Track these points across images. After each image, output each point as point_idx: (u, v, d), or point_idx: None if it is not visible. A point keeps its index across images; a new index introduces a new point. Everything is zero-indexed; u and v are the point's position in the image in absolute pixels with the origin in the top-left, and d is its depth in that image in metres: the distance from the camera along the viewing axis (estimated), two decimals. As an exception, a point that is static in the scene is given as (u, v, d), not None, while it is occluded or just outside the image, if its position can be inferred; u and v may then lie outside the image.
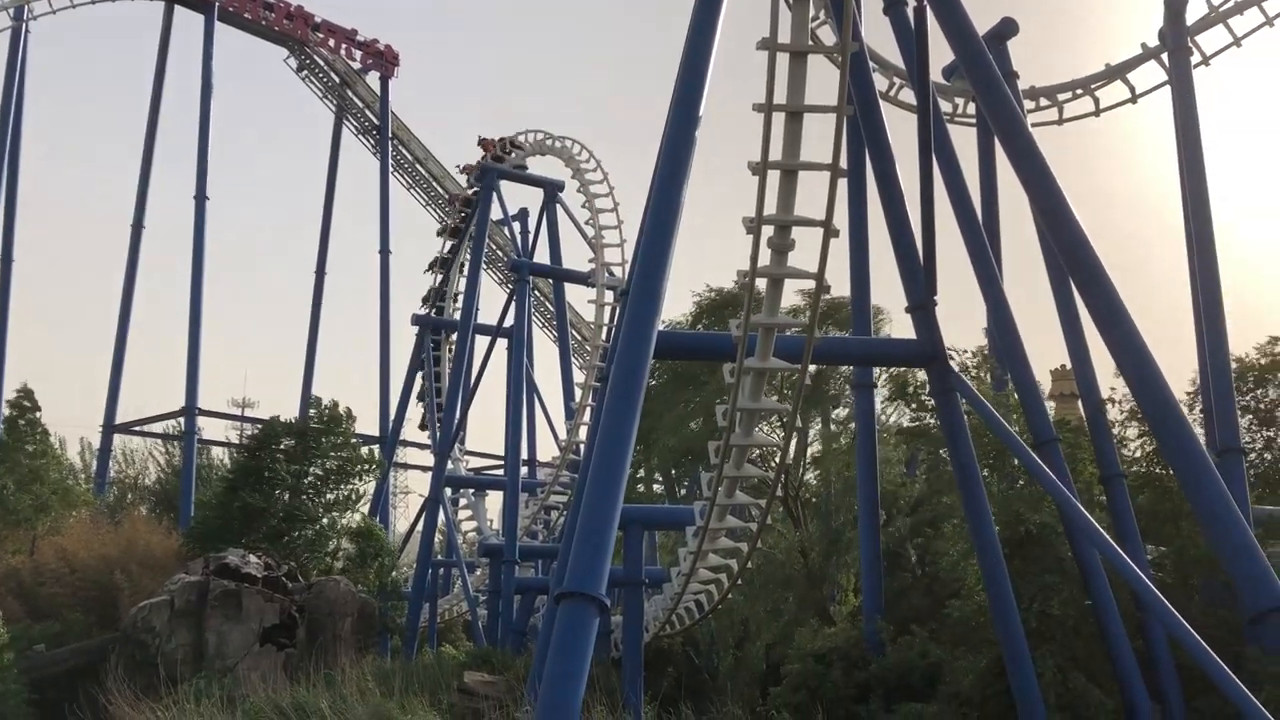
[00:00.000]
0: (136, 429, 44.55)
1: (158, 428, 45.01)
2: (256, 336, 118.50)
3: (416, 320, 41.30)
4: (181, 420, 39.88)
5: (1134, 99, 27.65)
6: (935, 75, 21.37)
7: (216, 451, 44.37)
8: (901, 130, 22.05)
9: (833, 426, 29.93)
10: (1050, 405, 23.17)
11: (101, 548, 27.87)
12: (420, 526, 37.19)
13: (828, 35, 20.71)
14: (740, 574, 18.32)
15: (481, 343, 37.21)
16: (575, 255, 37.25)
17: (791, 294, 17.71)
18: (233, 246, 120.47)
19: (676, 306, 36.88)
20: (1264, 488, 28.22)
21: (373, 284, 48.70)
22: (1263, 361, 29.51)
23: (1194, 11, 25.20)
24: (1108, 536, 13.30)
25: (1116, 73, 27.52)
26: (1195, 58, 25.28)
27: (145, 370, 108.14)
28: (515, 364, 33.40)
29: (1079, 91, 28.24)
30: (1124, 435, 20.79)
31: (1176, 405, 12.05)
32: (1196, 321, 22.03)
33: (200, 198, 40.94)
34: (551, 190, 37.83)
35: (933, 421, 18.38)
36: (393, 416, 43.02)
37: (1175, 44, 24.09)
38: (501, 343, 36.96)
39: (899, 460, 23.10)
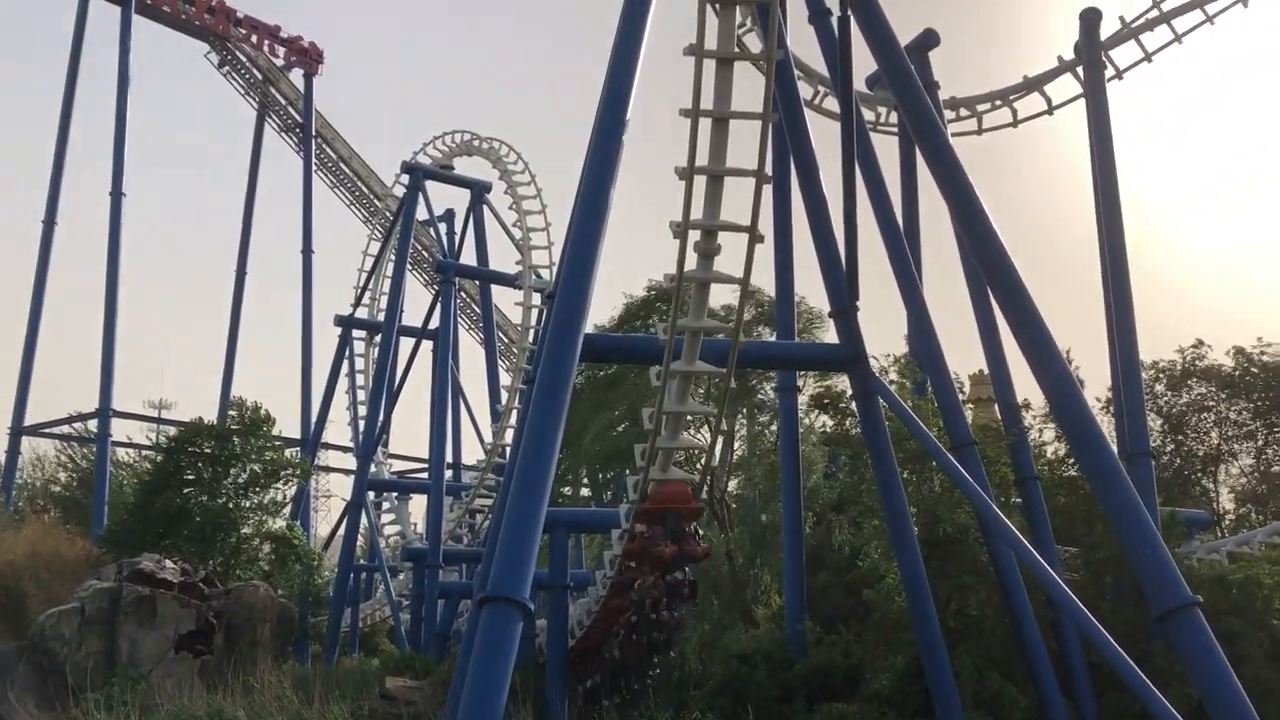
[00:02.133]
0: (47, 431, 43.21)
1: (70, 430, 43.71)
2: (174, 337, 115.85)
3: (340, 321, 40.70)
4: (95, 422, 38.79)
5: (1050, 110, 28.35)
6: (859, 84, 21.67)
7: (125, 454, 43.12)
8: (825, 138, 22.39)
9: (761, 429, 30.21)
10: (969, 409, 23.62)
11: (7, 553, 26.96)
12: (342, 530, 36.65)
13: (754, 43, 20.89)
14: (665, 577, 18.39)
15: (406, 345, 36.85)
16: (503, 256, 37.12)
17: (728, 295, 17.83)
18: (150, 244, 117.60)
19: (602, 311, 36.87)
20: (1174, 488, 29.13)
21: (295, 284, 47.85)
22: (1179, 366, 30.34)
23: (1108, 27, 25.97)
24: (1022, 538, 13.62)
25: (1034, 85, 28.20)
26: (1109, 72, 26.04)
27: (57, 371, 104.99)
28: (440, 366, 33.12)
29: (998, 103, 28.88)
30: (1041, 438, 21.30)
31: (1088, 410, 12.38)
32: (1109, 327, 22.65)
33: (116, 194, 39.83)
34: (478, 191, 37.63)
35: (850, 424, 18.64)
36: (314, 419, 42.33)
37: (1089, 58, 24.79)
38: (427, 345, 36.65)
39: (822, 462, 23.41)
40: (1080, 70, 25.88)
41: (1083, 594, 13.94)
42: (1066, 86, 27.75)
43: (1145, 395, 24.24)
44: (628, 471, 20.25)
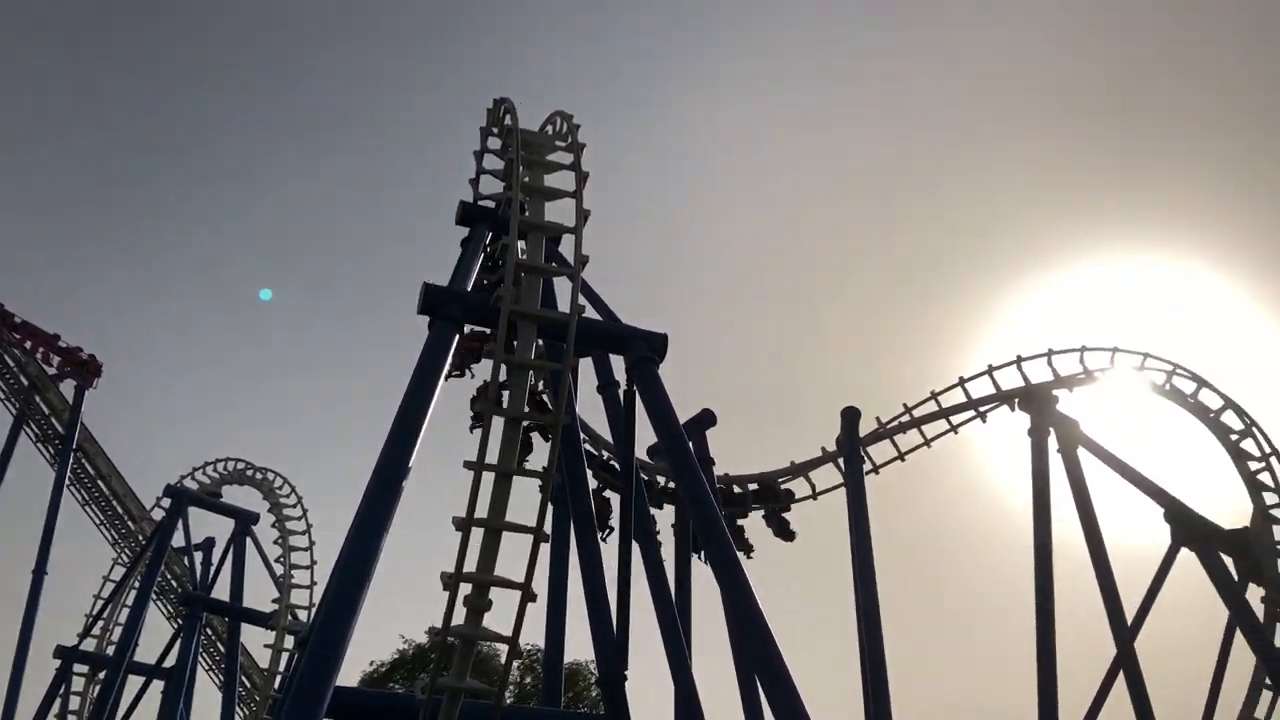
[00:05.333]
0: None
1: None
2: None
3: (61, 653, 36.55)
4: None
5: (814, 495, 30.04)
6: (641, 453, 22.51)
7: None
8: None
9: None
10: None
11: None
12: None
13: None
14: None
15: (134, 683, 33.31)
16: (260, 593, 34.93)
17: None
18: None
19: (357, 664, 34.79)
20: None
21: (15, 608, 42.89)
22: None
23: (867, 425, 28.39)
24: None
25: (799, 470, 30.00)
26: (867, 465, 28.18)
27: None
28: (169, 710, 30.01)
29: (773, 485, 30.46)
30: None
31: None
32: (866, 709, 22.96)
33: None
34: (244, 522, 35.91)
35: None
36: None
37: (849, 452, 26.85)
38: (158, 684, 33.28)
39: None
40: (841, 462, 27.91)
41: None
42: (831, 474, 29.71)
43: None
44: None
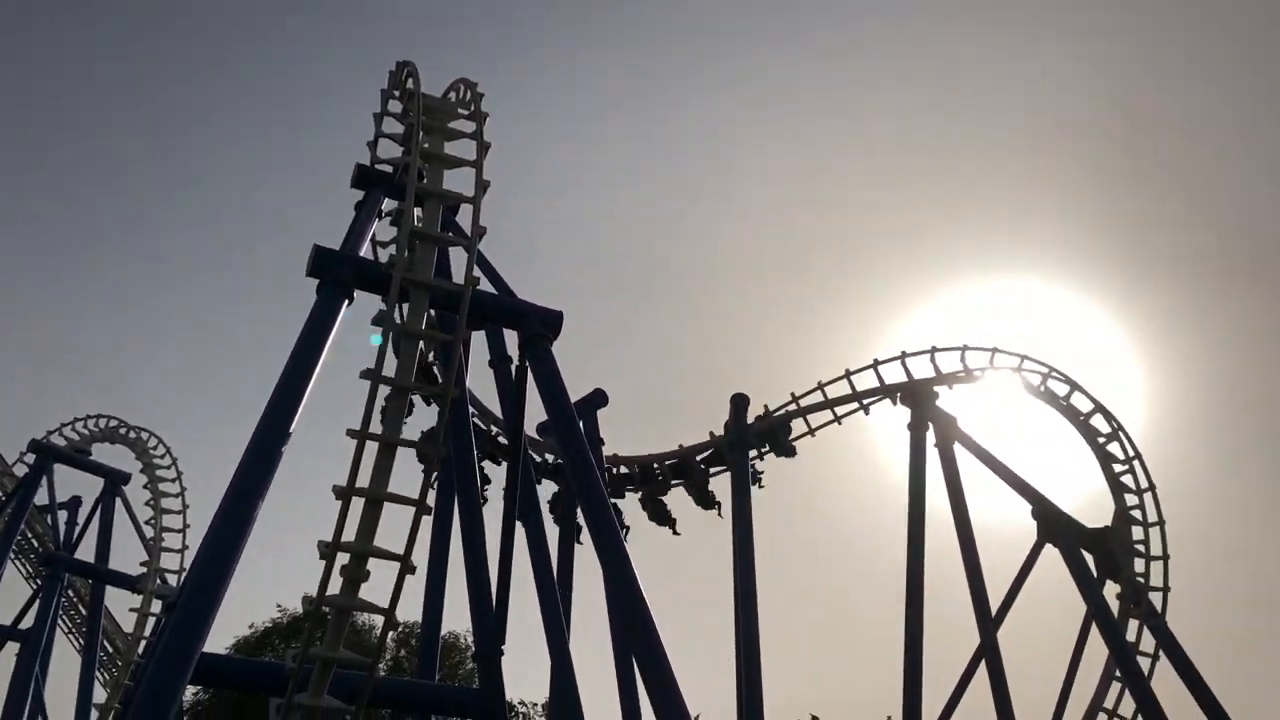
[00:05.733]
0: None
1: None
2: None
3: (-93, 611, 34.82)
4: None
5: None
6: (530, 430, 22.40)
7: None
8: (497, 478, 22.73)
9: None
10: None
11: None
12: None
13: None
14: None
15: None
16: (129, 555, 33.78)
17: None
18: None
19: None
20: None
21: None
22: None
23: (756, 412, 28.61)
24: None
25: (687, 454, 30.11)
26: (753, 453, 28.41)
27: None
28: (23, 674, 28.88)
29: (656, 466, 30.53)
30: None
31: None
32: (739, 695, 23.28)
33: None
34: (114, 482, 34.63)
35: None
36: None
37: (735, 440, 26.98)
38: (12, 647, 31.97)
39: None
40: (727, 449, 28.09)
41: None
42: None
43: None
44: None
